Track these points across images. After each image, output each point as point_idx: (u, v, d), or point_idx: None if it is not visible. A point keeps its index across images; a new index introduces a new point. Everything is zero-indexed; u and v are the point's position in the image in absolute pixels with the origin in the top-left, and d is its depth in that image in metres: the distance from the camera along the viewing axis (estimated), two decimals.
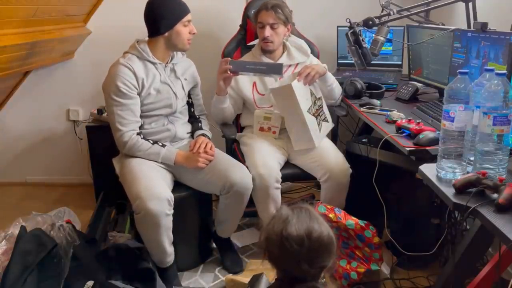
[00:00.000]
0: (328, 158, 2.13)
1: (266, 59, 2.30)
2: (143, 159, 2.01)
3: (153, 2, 1.99)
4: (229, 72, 2.09)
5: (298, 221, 1.14)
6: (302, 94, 2.09)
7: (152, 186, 1.86)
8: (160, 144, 2.03)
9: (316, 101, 2.20)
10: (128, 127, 1.98)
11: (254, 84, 2.30)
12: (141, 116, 2.03)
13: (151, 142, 2.01)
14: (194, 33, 2.05)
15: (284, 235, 1.12)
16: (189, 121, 2.25)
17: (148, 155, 2.00)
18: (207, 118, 2.33)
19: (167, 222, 1.88)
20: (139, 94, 2.00)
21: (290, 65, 2.32)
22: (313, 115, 2.15)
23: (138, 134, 2.01)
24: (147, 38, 2.05)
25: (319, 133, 2.19)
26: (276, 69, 2.09)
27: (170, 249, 1.96)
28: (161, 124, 2.08)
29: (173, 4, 1.98)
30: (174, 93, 2.07)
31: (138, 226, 1.90)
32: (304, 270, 1.12)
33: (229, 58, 2.14)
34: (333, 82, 2.27)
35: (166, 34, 1.99)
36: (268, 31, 2.20)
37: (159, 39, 2.01)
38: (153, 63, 2.03)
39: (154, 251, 1.93)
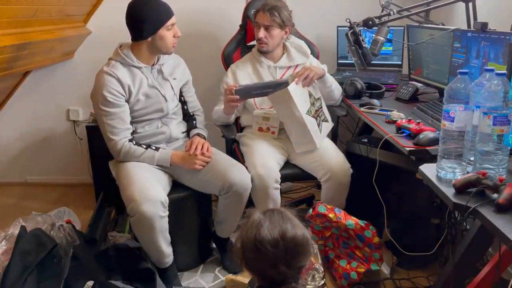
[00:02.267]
0: (328, 158, 2.13)
1: (265, 60, 2.30)
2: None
3: (134, 6, 1.92)
4: (236, 100, 2.08)
5: (270, 224, 1.14)
6: (300, 96, 2.08)
7: (146, 188, 1.84)
8: (154, 147, 2.01)
9: (315, 102, 2.20)
10: (119, 135, 1.96)
11: None
12: (133, 122, 2.01)
13: (144, 147, 1.99)
14: (178, 36, 1.99)
15: (258, 239, 1.12)
16: (183, 119, 2.23)
17: (143, 161, 1.99)
18: (203, 114, 2.29)
19: (162, 224, 1.87)
20: (127, 101, 1.97)
21: (289, 67, 2.32)
22: (313, 116, 2.15)
23: (130, 140, 1.99)
24: (128, 43, 2.01)
25: (320, 134, 2.19)
26: (282, 87, 2.05)
27: (167, 250, 1.95)
28: (154, 127, 2.06)
29: (155, 7, 1.91)
30: (163, 96, 2.04)
31: (133, 228, 1.90)
32: (282, 272, 1.11)
33: (234, 87, 2.10)
34: (332, 83, 2.27)
35: (149, 39, 1.93)
36: (262, 33, 2.21)
37: (142, 43, 1.95)
38: (139, 68, 1.99)
39: (151, 252, 1.92)
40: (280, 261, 1.11)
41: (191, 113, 2.24)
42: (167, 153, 2.01)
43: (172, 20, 1.95)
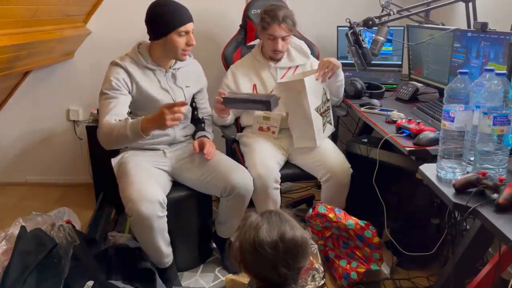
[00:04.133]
0: (329, 158, 2.13)
1: (266, 61, 2.30)
2: (139, 160, 1.98)
3: (154, 4, 1.94)
4: (223, 106, 2.04)
5: (269, 226, 1.14)
6: (313, 91, 2.07)
7: (144, 189, 1.83)
8: (128, 118, 1.86)
9: (326, 102, 2.20)
10: (107, 117, 1.83)
11: (254, 86, 2.29)
12: None
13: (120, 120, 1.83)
14: (191, 45, 1.95)
15: (257, 241, 1.11)
16: (192, 122, 2.23)
17: (118, 133, 1.78)
18: (211, 118, 2.29)
19: (161, 224, 1.86)
20: (132, 96, 1.95)
21: (290, 67, 2.32)
22: (320, 114, 2.15)
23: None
24: (147, 43, 2.02)
25: (322, 134, 2.19)
26: (267, 104, 1.96)
27: (167, 250, 1.95)
28: (159, 132, 2.02)
29: (172, 10, 1.90)
30: (174, 101, 2.01)
31: (132, 228, 1.89)
32: (282, 273, 1.11)
33: (225, 93, 2.07)
34: (343, 79, 2.27)
35: (161, 40, 1.93)
36: (281, 44, 2.20)
37: (156, 43, 1.96)
38: (152, 70, 1.99)
39: (150, 252, 1.92)
40: (279, 262, 1.11)
41: (201, 118, 2.25)
42: (138, 120, 1.78)
43: (186, 27, 1.91)
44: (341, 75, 2.24)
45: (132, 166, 1.96)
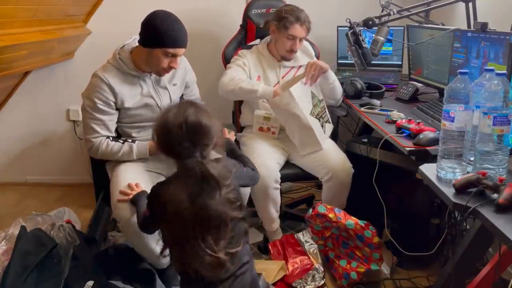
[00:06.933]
0: (330, 157, 2.12)
1: (271, 57, 2.30)
2: (131, 164, 1.94)
3: (157, 13, 1.83)
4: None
5: (177, 111, 1.34)
6: (303, 97, 2.08)
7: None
8: (130, 140, 1.95)
9: (318, 103, 2.19)
10: (99, 139, 1.91)
11: (259, 77, 2.30)
12: (128, 127, 1.98)
13: (121, 141, 1.93)
14: (173, 67, 1.88)
15: (164, 122, 1.33)
16: None
17: (122, 157, 1.92)
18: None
19: None
20: (118, 108, 1.92)
21: (292, 67, 2.32)
22: (316, 117, 2.15)
23: (108, 137, 1.93)
24: (131, 46, 1.93)
25: (324, 134, 2.19)
26: None
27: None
28: (150, 133, 1.99)
29: (170, 28, 1.79)
30: (158, 106, 1.98)
31: (123, 233, 1.87)
32: (186, 147, 1.32)
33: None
34: (334, 80, 2.27)
35: (146, 49, 1.84)
36: (298, 45, 2.22)
37: (141, 49, 1.87)
38: (135, 76, 1.92)
39: (145, 255, 1.88)
40: (183, 139, 1.31)
41: None
42: (144, 144, 1.93)
43: (175, 51, 1.82)
44: (332, 77, 2.24)
45: (123, 170, 1.92)
